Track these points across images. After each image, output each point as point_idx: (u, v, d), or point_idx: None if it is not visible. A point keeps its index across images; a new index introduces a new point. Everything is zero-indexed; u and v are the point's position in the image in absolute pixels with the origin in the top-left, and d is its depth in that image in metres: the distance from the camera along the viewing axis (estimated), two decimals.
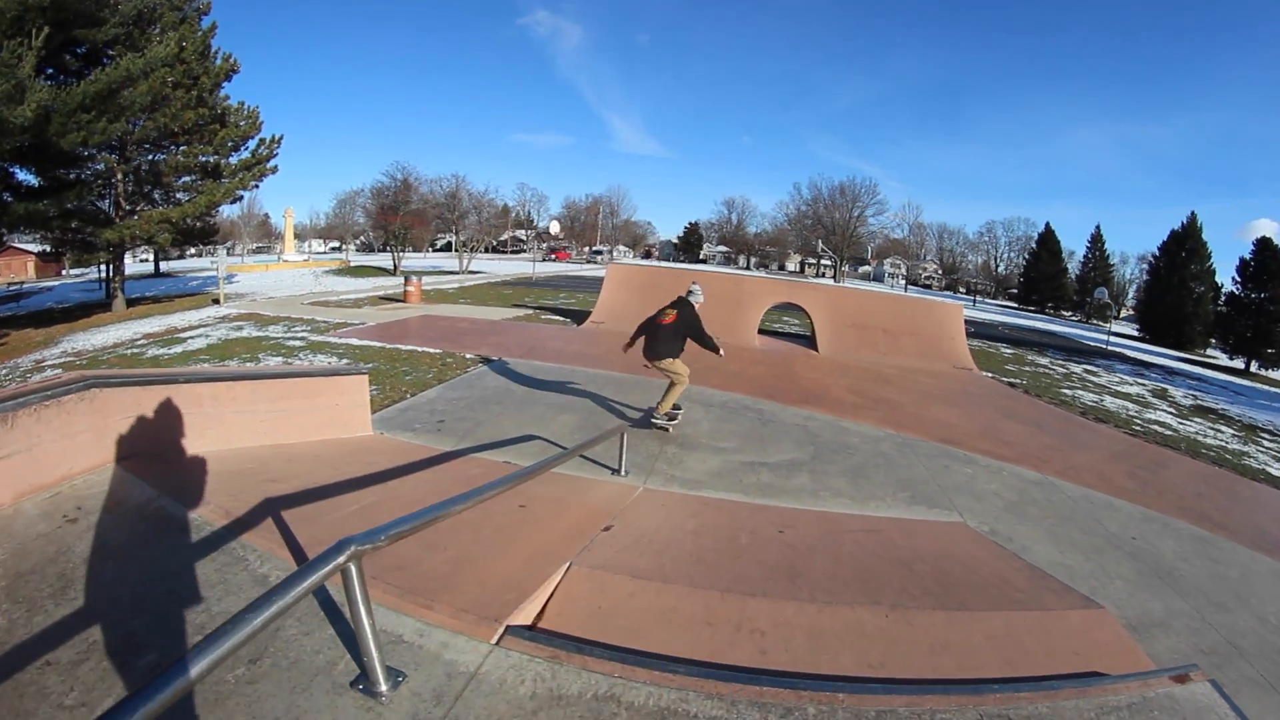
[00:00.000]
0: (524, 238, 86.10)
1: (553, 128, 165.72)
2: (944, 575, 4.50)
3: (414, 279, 20.75)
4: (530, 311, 18.83)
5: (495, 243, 73.67)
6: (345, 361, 10.02)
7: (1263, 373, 39.57)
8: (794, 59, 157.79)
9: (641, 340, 7.84)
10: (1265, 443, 14.89)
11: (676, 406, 7.85)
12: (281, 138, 24.97)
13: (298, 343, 11.37)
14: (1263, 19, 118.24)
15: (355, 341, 11.52)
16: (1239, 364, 41.27)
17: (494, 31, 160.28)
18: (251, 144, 24.66)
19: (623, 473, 6.06)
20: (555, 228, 62.31)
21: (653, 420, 7.75)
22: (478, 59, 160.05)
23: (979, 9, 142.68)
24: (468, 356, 10.73)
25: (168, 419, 4.80)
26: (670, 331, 7.61)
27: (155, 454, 4.59)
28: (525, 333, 14.25)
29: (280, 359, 10.18)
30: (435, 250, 69.97)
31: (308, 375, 6.16)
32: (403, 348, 11.16)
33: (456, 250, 48.70)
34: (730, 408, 9.09)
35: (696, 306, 7.82)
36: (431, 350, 11.04)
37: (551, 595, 3.49)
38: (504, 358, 10.83)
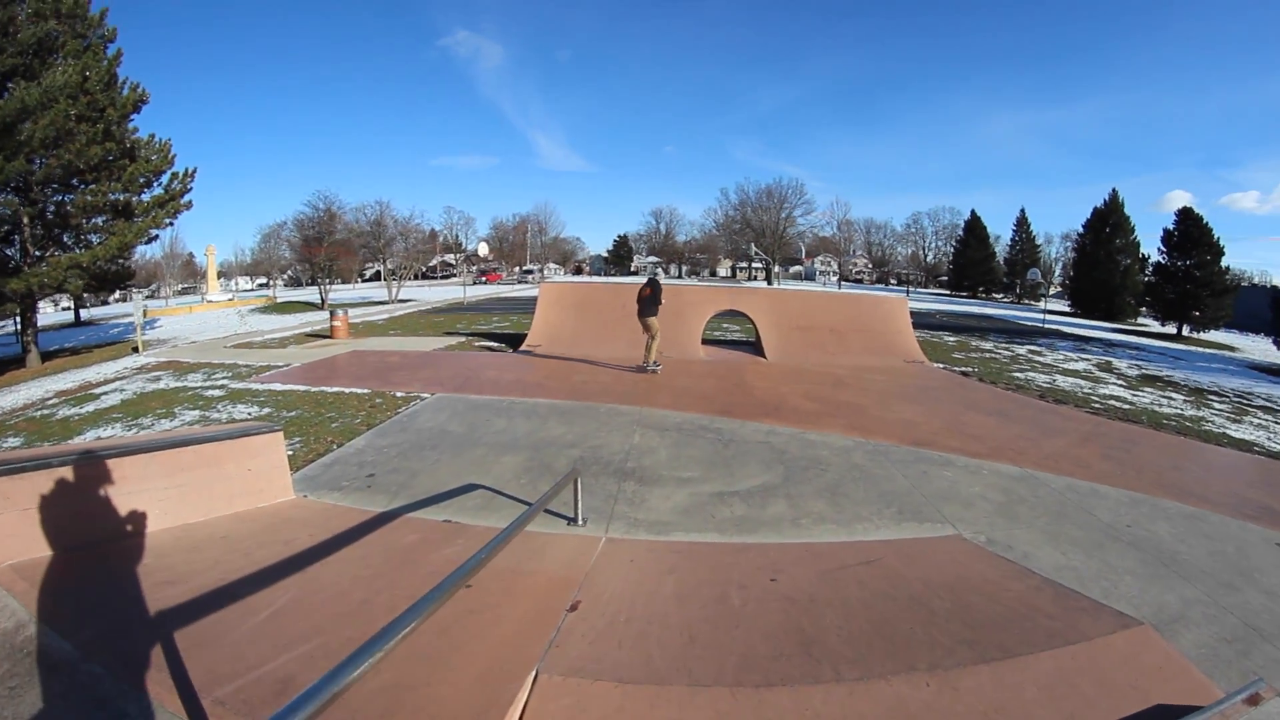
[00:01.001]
0: (453, 261, 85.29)
1: (477, 149, 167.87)
2: (967, 611, 4.17)
3: (341, 313, 19.96)
4: (463, 339, 18.25)
5: (424, 269, 72.70)
6: (267, 411, 9.25)
7: (1194, 335, 42.90)
8: (714, 67, 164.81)
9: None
10: (1215, 405, 15.54)
11: (657, 363, 12.84)
12: (195, 171, 24.05)
13: (217, 392, 10.56)
14: (1162, 3, 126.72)
15: (279, 386, 10.77)
16: (1171, 329, 44.51)
17: (414, 54, 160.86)
18: (164, 179, 23.48)
19: (580, 521, 5.55)
20: (484, 249, 61.67)
21: (647, 368, 12.70)
22: (398, 83, 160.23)
23: (889, 6, 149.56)
24: (398, 395, 10.10)
25: (49, 512, 4.13)
26: (648, 300, 12.64)
27: (25, 564, 3.89)
28: (459, 363, 13.64)
29: (198, 412, 9.34)
30: (364, 280, 68.72)
31: (212, 440, 5.38)
32: (329, 390, 10.46)
33: (385, 279, 47.93)
34: (686, 430, 8.69)
35: (661, 282, 12.96)
36: (359, 391, 10.37)
37: None
38: (437, 393, 10.24)
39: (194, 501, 5.03)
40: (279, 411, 9.13)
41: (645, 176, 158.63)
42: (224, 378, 11.87)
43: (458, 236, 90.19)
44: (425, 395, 10.10)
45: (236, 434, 5.59)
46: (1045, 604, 4.44)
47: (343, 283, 53.79)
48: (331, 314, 20.29)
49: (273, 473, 5.73)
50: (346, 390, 10.42)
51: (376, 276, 62.46)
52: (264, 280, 69.66)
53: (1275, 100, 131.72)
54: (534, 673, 3.18)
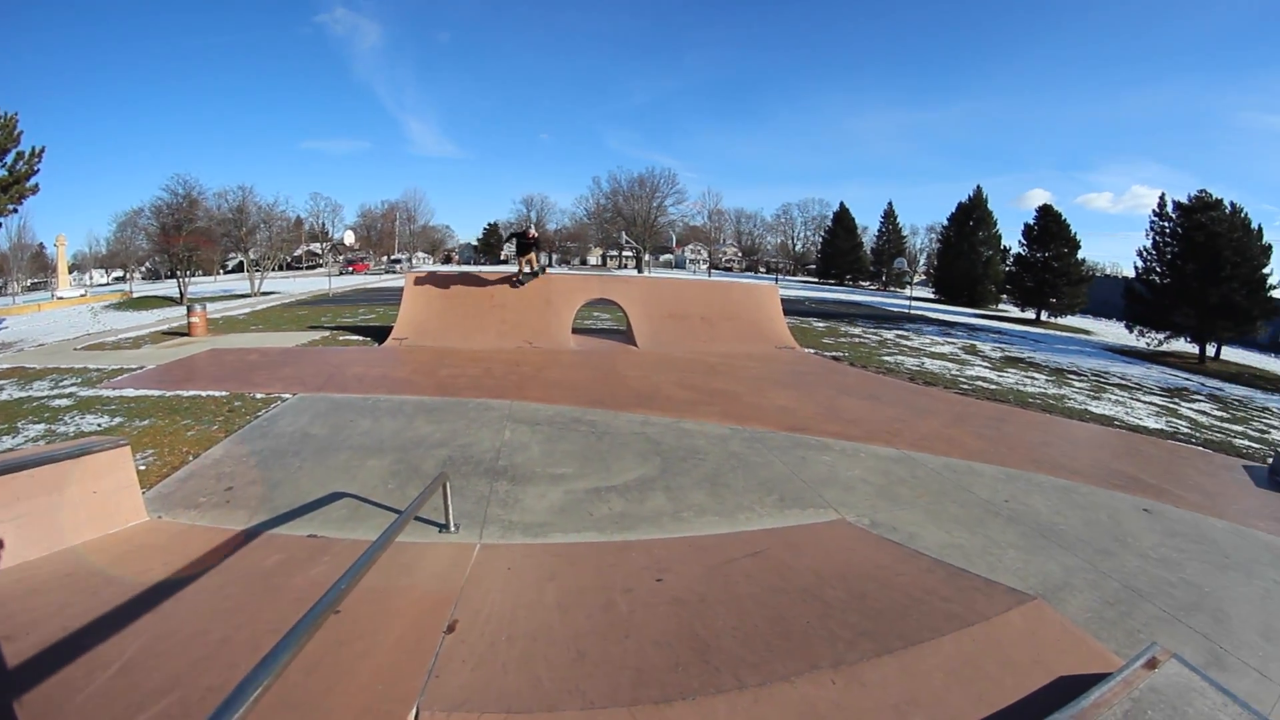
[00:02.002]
0: (319, 251, 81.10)
1: (348, 133, 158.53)
2: (862, 601, 4.15)
3: (199, 308, 18.42)
4: (327, 333, 17.25)
5: (289, 259, 68.70)
6: (119, 421, 8.24)
7: (1052, 320, 48.39)
8: (593, 56, 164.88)
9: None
10: (1075, 383, 16.95)
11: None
12: (43, 150, 21.88)
13: (65, 401, 9.34)
14: (1027, 17, 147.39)
15: (131, 392, 9.68)
16: (1030, 315, 50.16)
17: (287, 30, 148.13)
18: (8, 159, 21.03)
19: (452, 528, 5.18)
20: (350, 238, 58.99)
21: (520, 280, 16.19)
22: (269, 60, 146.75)
23: (770, 7, 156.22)
24: (258, 397, 9.30)
25: None
26: (530, 245, 16.30)
27: None
28: (322, 359, 12.79)
29: (44, 426, 8.15)
30: (226, 273, 64.21)
31: (50, 461, 4.55)
32: (185, 394, 9.50)
33: (247, 271, 44.86)
34: (558, 423, 8.42)
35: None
36: (217, 393, 9.48)
37: None
38: (299, 393, 9.52)
39: (34, 535, 4.27)
40: (130, 421, 8.21)
41: (518, 164, 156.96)
42: (73, 384, 10.59)
43: (324, 225, 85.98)
44: (287, 396, 9.39)
45: (77, 452, 4.78)
46: (939, 586, 4.49)
47: (204, 275, 51.07)
48: (189, 309, 18.76)
49: (121, 494, 4.99)
50: (204, 393, 9.53)
51: (239, 268, 58.33)
52: (120, 273, 66.55)
53: (1126, 113, 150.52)
54: (414, 711, 2.86)
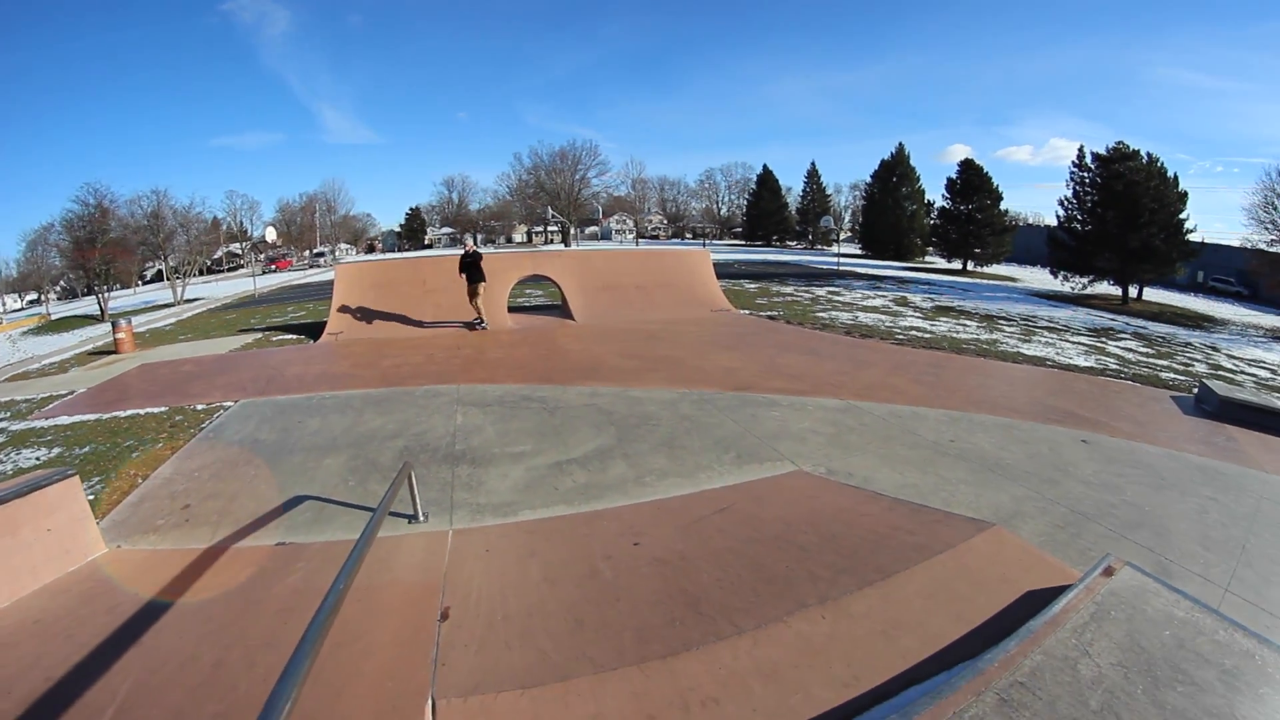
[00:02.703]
0: (240, 251, 78.25)
1: (260, 125, 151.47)
2: (835, 541, 4.40)
3: (124, 323, 17.61)
4: (260, 335, 16.80)
5: (209, 263, 66.02)
6: (58, 451, 7.86)
7: (978, 270, 51.40)
8: (509, 29, 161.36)
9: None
10: (1006, 328, 17.82)
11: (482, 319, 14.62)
12: None
13: None
14: None
15: (66, 420, 9.20)
16: (957, 265, 53.07)
17: (192, 20, 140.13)
18: None
19: (421, 517, 5.20)
20: (272, 234, 57.18)
21: (478, 325, 14.54)
22: (172, 55, 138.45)
23: None
24: (199, 408, 9.03)
25: None
26: (474, 267, 14.50)
27: None
28: (259, 362, 12.46)
29: None
30: (145, 283, 61.62)
31: None
32: (122, 415, 9.12)
33: (168, 279, 43.17)
34: (508, 402, 8.49)
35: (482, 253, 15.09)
36: (156, 410, 9.14)
37: None
38: (241, 399, 9.30)
39: None
40: (70, 450, 7.84)
41: (437, 145, 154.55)
42: (3, 419, 10.10)
43: (242, 223, 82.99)
44: (229, 404, 9.15)
45: (24, 489, 4.56)
46: (902, 521, 4.77)
47: (122, 288, 49.18)
48: (114, 325, 17.88)
49: (76, 528, 4.79)
50: (142, 411, 9.19)
51: (159, 277, 56.00)
52: (34, 296, 63.95)
53: (1045, 68, 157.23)
54: (430, 701, 2.89)
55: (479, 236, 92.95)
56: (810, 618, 3.41)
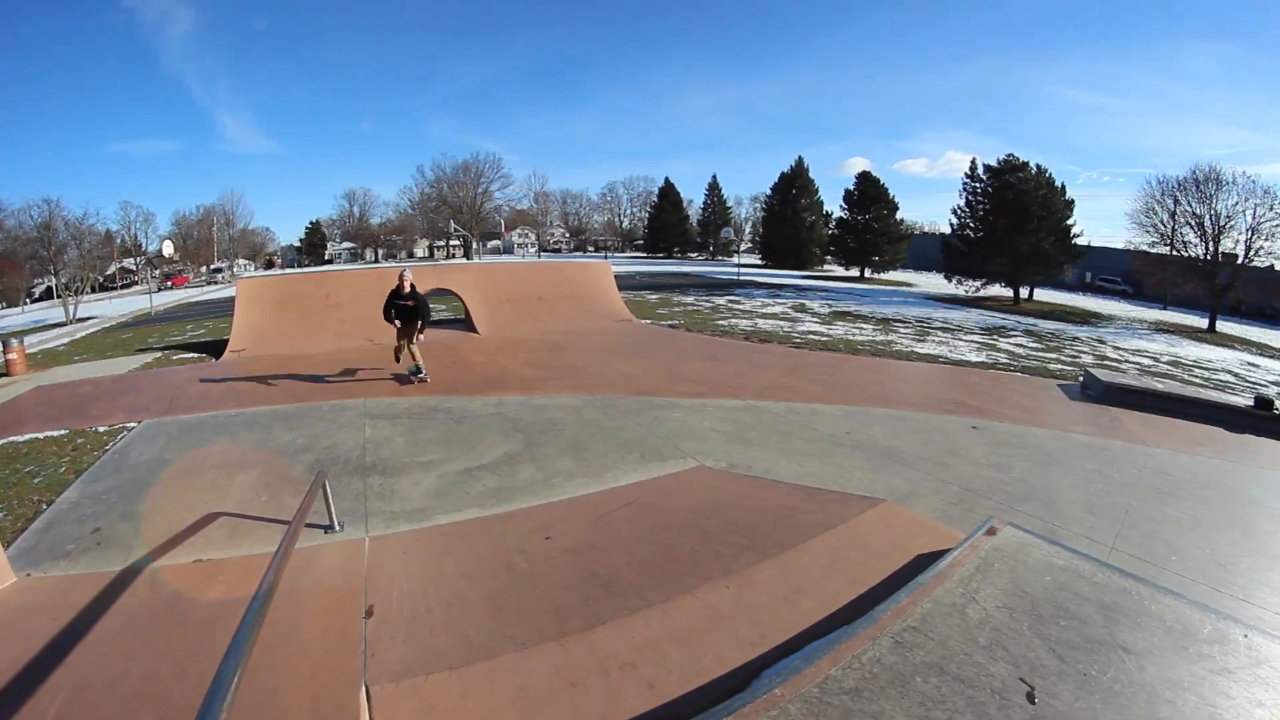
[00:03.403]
0: (134, 267, 73.69)
1: (156, 132, 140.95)
2: (736, 525, 4.64)
3: (15, 343, 16.35)
4: (159, 354, 15.97)
5: (102, 279, 61.98)
6: None
7: (876, 276, 54.28)
8: (415, 39, 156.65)
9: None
10: (901, 330, 18.69)
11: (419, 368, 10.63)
12: None
13: None
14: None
15: None
16: (855, 272, 55.86)
17: (91, 17, 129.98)
18: None
19: (337, 527, 5.16)
20: (169, 249, 53.82)
21: (418, 376, 10.50)
22: (67, 53, 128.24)
23: None
24: (101, 430, 8.56)
25: None
26: (414, 311, 10.41)
27: None
28: (161, 382, 11.89)
29: None
30: (34, 301, 57.14)
31: None
32: (19, 440, 8.52)
33: (60, 296, 40.31)
34: (417, 414, 8.45)
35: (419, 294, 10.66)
36: (56, 433, 8.60)
37: None
38: (145, 420, 8.88)
39: None
40: None
41: (339, 157, 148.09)
42: None
43: (137, 237, 78.54)
44: (132, 425, 8.73)
45: None
46: (800, 503, 5.07)
47: (9, 306, 46.60)
48: (4, 346, 16.63)
49: None
50: (40, 435, 8.63)
51: (48, 294, 52.59)
52: None
53: (940, 85, 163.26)
54: (364, 689, 2.98)
55: (380, 251, 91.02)
56: (716, 589, 3.60)
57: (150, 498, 6.28)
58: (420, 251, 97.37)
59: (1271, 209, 30.88)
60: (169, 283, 66.98)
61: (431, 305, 21.13)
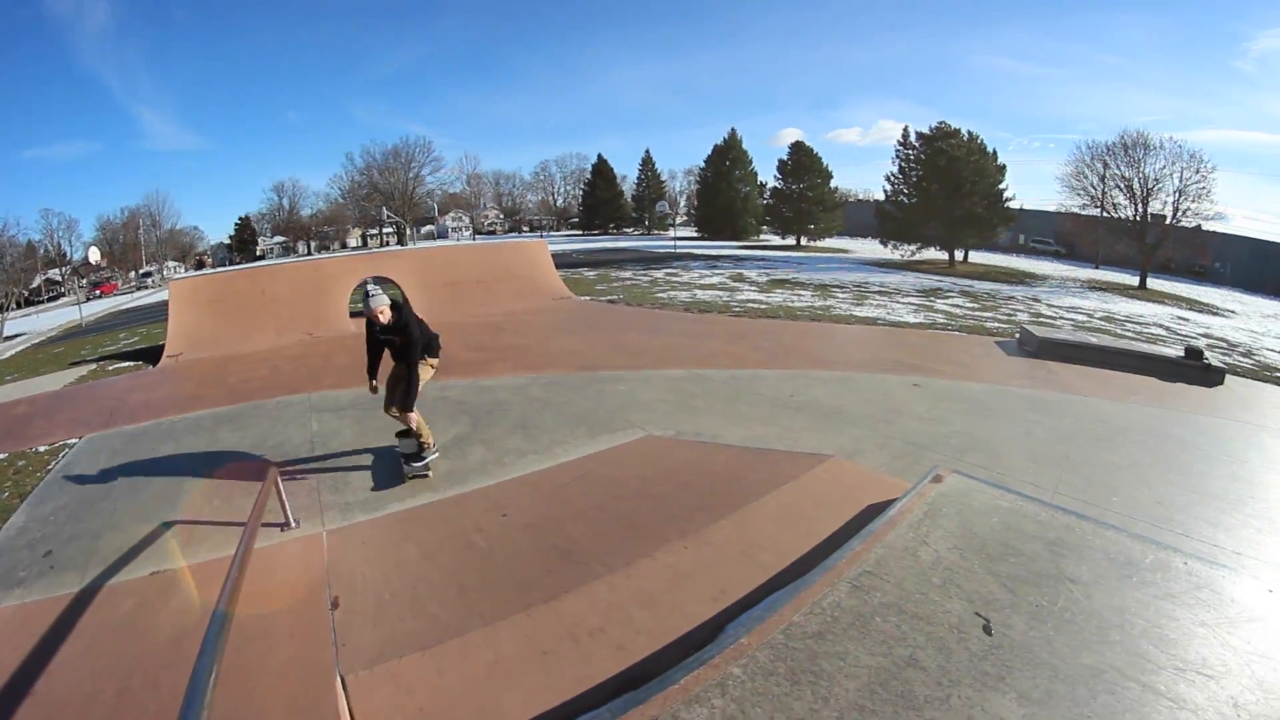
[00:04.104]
0: (60, 277, 70.27)
1: (74, 133, 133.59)
2: (689, 489, 4.75)
3: None
4: (94, 366, 15.31)
5: (27, 292, 58.88)
6: None
7: (812, 244, 55.13)
8: (340, 23, 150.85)
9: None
10: (839, 295, 19.01)
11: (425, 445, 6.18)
12: None
13: None
14: None
15: None
16: (791, 241, 56.78)
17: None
18: None
19: (293, 524, 5.09)
20: (95, 255, 51.53)
21: (422, 461, 6.00)
22: None
23: None
24: (41, 450, 8.21)
25: None
26: (402, 350, 6.13)
27: None
28: (100, 394, 11.43)
29: None
30: None
31: None
32: None
33: None
34: (361, 404, 8.30)
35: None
36: None
37: None
38: (87, 435, 8.56)
39: None
40: None
41: (267, 149, 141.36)
42: None
43: (61, 245, 74.76)
44: (74, 441, 8.38)
45: None
46: (749, 464, 5.22)
47: None
48: None
49: None
50: None
51: None
52: None
53: (873, 56, 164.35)
54: (338, 678, 3.00)
55: (312, 244, 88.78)
56: (675, 550, 3.70)
57: (100, 514, 6.11)
58: (353, 241, 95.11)
59: (1198, 172, 32.52)
60: (98, 291, 64.54)
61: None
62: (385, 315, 5.86)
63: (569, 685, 2.88)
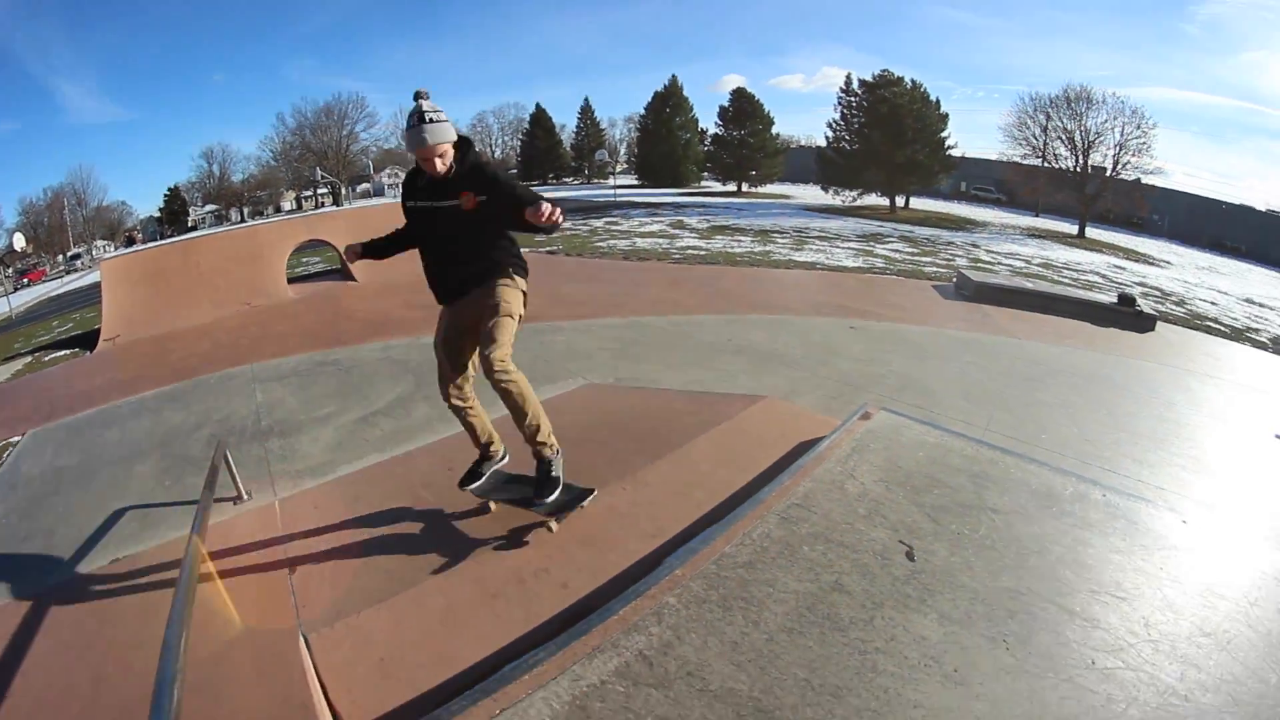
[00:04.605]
0: None
1: None
2: (626, 432, 4.87)
3: None
4: (29, 359, 14.77)
5: None
6: None
7: (753, 190, 55.82)
8: None
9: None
10: (779, 240, 19.22)
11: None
12: None
13: None
14: None
15: None
16: (732, 187, 57.13)
17: None
18: None
19: (245, 495, 5.07)
20: (20, 241, 48.82)
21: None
22: None
23: None
24: None
25: None
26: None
27: None
28: (38, 387, 11.05)
29: None
30: None
31: None
32: None
33: None
34: (304, 371, 8.25)
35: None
36: None
37: (324, 689, 2.85)
38: (29, 430, 8.30)
39: None
40: None
41: (193, 114, 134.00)
42: None
43: None
44: (15, 439, 8.16)
45: None
46: (686, 407, 5.35)
47: None
48: None
49: None
50: None
51: None
52: None
53: (816, 2, 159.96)
54: (301, 637, 3.09)
55: (246, 210, 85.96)
56: (614, 491, 3.82)
57: (52, 509, 6.00)
58: (288, 205, 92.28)
59: (1139, 127, 33.92)
60: (25, 279, 61.86)
61: (305, 260, 19.79)
62: (445, 160, 3.36)
63: (518, 625, 3.01)
